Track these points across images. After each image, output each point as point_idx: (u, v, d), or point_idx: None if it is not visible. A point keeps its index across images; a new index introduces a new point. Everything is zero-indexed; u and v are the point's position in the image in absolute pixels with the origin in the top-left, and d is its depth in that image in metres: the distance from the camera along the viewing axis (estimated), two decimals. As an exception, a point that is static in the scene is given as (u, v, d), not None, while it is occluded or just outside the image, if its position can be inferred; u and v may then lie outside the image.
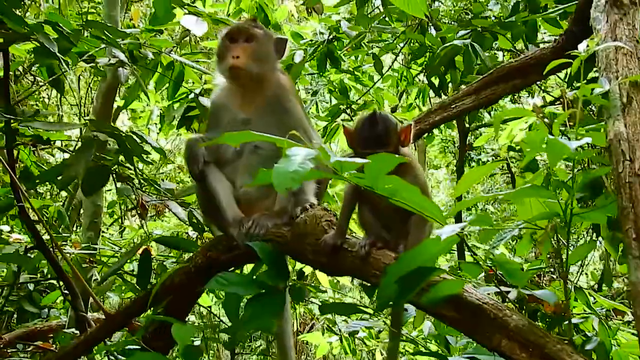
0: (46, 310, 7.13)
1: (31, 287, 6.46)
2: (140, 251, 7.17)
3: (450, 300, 2.93)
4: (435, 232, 2.68)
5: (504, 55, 8.00)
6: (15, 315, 6.80)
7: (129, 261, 7.01)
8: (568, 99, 3.13)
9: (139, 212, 5.05)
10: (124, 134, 4.67)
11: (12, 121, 4.38)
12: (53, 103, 10.06)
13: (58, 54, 4.48)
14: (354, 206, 3.44)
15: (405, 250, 3.17)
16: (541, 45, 6.68)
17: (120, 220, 10.12)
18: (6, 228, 6.42)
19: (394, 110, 9.52)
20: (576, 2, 5.22)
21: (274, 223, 3.76)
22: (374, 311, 3.53)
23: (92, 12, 9.04)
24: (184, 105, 6.65)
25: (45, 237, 5.19)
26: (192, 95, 6.51)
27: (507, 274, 2.80)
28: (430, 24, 7.35)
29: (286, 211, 3.78)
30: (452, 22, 7.06)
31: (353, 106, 7.90)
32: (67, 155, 5.37)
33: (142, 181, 5.01)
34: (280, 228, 3.73)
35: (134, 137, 4.75)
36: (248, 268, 4.22)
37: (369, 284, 3.47)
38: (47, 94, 11.12)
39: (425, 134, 5.39)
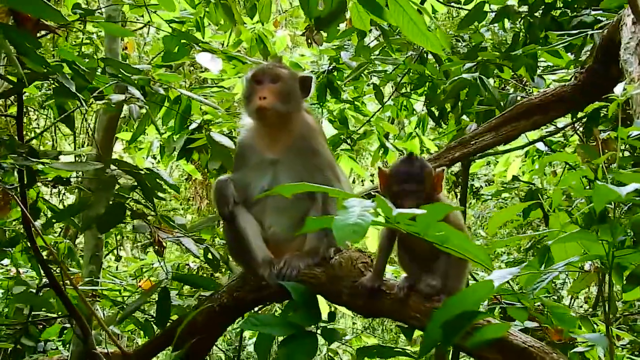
0: (42, 343, 7.05)
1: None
2: (142, 284, 7.17)
3: (495, 344, 2.96)
4: (486, 277, 2.71)
5: (504, 87, 8.09)
6: (9, 350, 6.72)
7: (128, 294, 6.99)
8: (601, 139, 3.18)
9: (155, 249, 5.03)
10: (143, 172, 4.67)
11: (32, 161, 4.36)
12: (48, 134, 10.03)
13: (77, 93, 4.50)
14: (390, 248, 3.47)
15: (447, 292, 3.20)
16: (551, 78, 6.84)
17: (116, 251, 10.06)
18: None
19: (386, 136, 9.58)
20: (582, 34, 5.35)
21: (305, 264, 3.78)
22: (418, 356, 3.55)
23: (87, 42, 9.02)
24: (184, 136, 6.64)
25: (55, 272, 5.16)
26: (193, 126, 6.51)
27: (557, 317, 2.84)
28: (430, 54, 7.43)
29: (317, 251, 3.80)
30: (448, 53, 7.10)
31: (353, 136, 7.95)
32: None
33: (159, 218, 4.98)
34: (313, 269, 3.75)
35: (152, 174, 4.76)
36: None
37: (406, 326, 3.48)
38: (37, 124, 11.08)
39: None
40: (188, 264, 7.72)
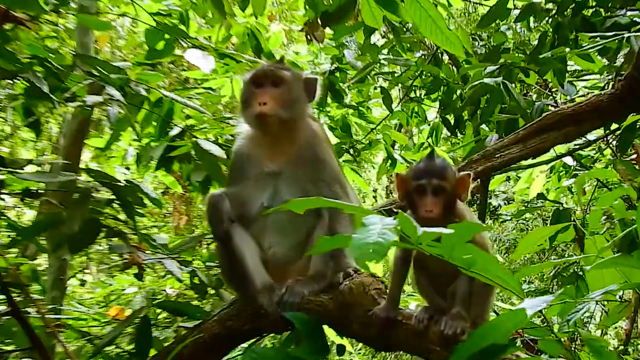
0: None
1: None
2: (113, 313, 7.23)
3: (525, 381, 3.05)
4: (518, 306, 2.80)
5: (526, 93, 8.22)
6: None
7: (96, 324, 7.05)
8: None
9: (135, 272, 5.08)
10: (122, 184, 4.74)
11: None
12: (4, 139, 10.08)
13: (50, 94, 4.58)
14: (406, 272, 3.57)
15: (472, 321, 3.30)
16: (580, 84, 6.96)
17: (80, 274, 10.11)
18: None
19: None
20: (618, 36, 5.47)
21: (310, 290, 3.85)
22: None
23: (54, 35, 9.11)
24: (164, 143, 6.68)
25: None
26: (174, 132, 6.57)
27: (594, 351, 2.93)
28: (446, 54, 7.55)
29: (324, 276, 3.88)
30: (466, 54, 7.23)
31: (356, 145, 8.05)
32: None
33: (139, 236, 5.05)
34: (319, 296, 3.83)
35: (133, 187, 4.83)
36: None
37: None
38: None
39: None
40: (165, 290, 7.79)
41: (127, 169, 9.25)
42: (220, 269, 4.32)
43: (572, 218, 4.51)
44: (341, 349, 3.80)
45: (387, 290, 3.61)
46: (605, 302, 3.36)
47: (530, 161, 6.86)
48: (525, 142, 4.82)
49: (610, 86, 4.68)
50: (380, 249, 2.49)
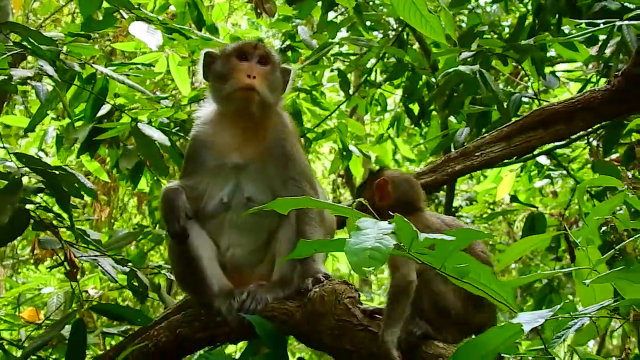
0: None
1: None
2: (26, 316, 7.24)
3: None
4: (512, 320, 2.96)
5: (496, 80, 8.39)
6: None
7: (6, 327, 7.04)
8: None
9: (66, 270, 5.13)
10: (58, 172, 4.78)
11: None
12: None
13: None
14: None
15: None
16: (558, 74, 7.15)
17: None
18: None
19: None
20: (609, 24, 5.65)
21: (274, 297, 3.97)
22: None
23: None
24: (88, 125, 6.66)
25: None
26: (102, 112, 6.57)
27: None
28: (413, 36, 7.69)
29: (290, 282, 4.02)
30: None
31: (308, 135, 8.14)
32: None
33: (76, 232, 5.08)
34: (285, 303, 3.95)
35: (68, 175, 4.88)
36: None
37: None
38: None
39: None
40: (87, 291, 7.80)
41: (44, 152, 9.20)
42: (173, 269, 4.39)
43: (564, 227, 4.69)
44: (302, 364, 3.92)
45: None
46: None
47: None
48: (509, 141, 4.98)
49: (607, 82, 4.86)
50: (379, 255, 2.61)
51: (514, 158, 5.35)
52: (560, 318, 3.20)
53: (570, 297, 8.68)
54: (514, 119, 5.23)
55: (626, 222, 3.12)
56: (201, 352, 4.19)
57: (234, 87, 4.20)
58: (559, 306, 3.04)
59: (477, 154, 5.01)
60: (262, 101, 4.21)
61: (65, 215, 4.97)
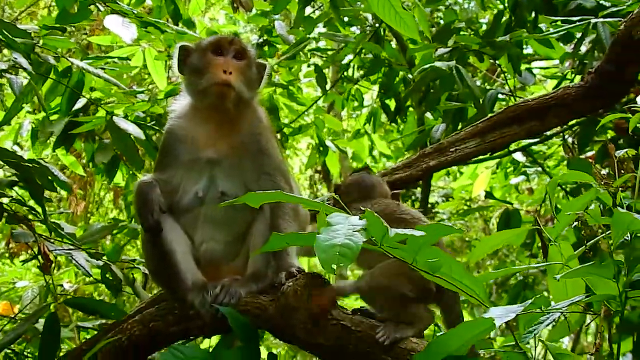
0: None
1: None
2: (0, 309, 7.21)
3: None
4: (484, 315, 2.98)
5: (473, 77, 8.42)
6: None
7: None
8: (617, 157, 3.51)
9: (40, 264, 5.12)
10: (32, 166, 4.77)
11: None
12: None
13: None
14: None
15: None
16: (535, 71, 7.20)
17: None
18: None
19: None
20: (585, 22, 5.70)
21: (248, 291, 3.98)
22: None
23: None
24: (64, 119, 6.64)
25: None
26: (78, 105, 6.55)
27: (562, 365, 3.15)
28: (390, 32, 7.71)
29: (264, 276, 4.03)
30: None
31: (285, 130, 8.16)
32: None
33: (48, 224, 5.07)
34: (258, 297, 3.96)
35: (42, 168, 4.87)
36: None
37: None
38: None
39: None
40: (62, 285, 7.77)
41: (19, 145, 9.16)
42: (147, 263, 4.39)
43: (537, 222, 4.72)
44: (272, 358, 3.93)
45: None
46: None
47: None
48: (483, 136, 5.02)
49: (580, 79, 4.90)
50: (348, 252, 2.63)
51: (489, 154, 5.38)
52: (532, 313, 3.23)
53: (545, 293, 8.74)
54: (488, 115, 5.25)
55: (597, 217, 3.14)
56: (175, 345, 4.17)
57: (210, 82, 4.20)
58: (530, 301, 3.07)
59: (451, 149, 5.05)
60: (237, 97, 4.21)
61: (39, 209, 4.97)
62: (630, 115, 3.61)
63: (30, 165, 4.82)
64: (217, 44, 4.31)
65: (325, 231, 2.70)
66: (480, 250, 3.82)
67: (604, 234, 3.38)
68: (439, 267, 3.00)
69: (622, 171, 3.51)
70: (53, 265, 5.23)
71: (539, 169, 8.20)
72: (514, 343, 3.27)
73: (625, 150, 3.55)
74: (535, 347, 3.36)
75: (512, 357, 3.24)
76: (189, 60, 4.38)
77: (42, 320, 4.91)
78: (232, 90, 4.18)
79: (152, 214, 4.08)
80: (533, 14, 6.83)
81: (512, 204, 7.50)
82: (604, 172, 3.60)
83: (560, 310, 3.31)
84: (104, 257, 5.31)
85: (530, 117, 4.98)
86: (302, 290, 3.75)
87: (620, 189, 3.41)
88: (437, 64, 6.01)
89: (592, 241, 3.46)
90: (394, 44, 7.94)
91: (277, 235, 2.89)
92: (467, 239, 12.28)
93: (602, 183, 3.33)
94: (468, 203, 10.22)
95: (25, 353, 5.93)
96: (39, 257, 5.09)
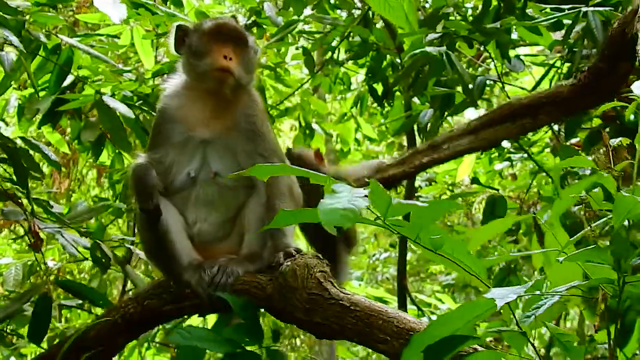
0: None
1: None
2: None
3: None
4: (485, 295, 3.00)
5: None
6: None
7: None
8: (612, 145, 3.54)
9: (30, 242, 5.11)
10: (17, 146, 4.76)
11: None
12: None
13: None
14: None
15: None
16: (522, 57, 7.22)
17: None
18: None
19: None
20: (575, 10, 5.72)
21: (245, 270, 4.00)
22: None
23: None
24: (51, 96, 6.60)
25: None
26: (67, 82, 6.51)
27: (563, 347, 3.18)
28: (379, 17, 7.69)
29: (260, 256, 4.06)
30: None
31: (271, 112, 8.14)
32: None
33: (31, 202, 5.07)
34: (256, 277, 3.97)
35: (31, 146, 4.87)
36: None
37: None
38: None
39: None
40: (45, 263, 7.73)
41: (3, 121, 9.08)
42: (142, 243, 4.40)
43: (532, 210, 4.75)
44: (276, 335, 3.96)
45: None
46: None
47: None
48: (476, 134, 5.07)
49: (573, 77, 4.93)
50: (350, 214, 2.66)
51: (481, 151, 5.43)
52: (532, 295, 3.26)
53: (526, 279, 8.80)
54: (481, 114, 5.29)
55: (599, 201, 3.16)
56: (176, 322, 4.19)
57: (210, 67, 4.20)
58: (530, 283, 3.10)
59: (444, 146, 5.10)
60: (236, 84, 4.23)
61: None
62: (620, 104, 3.62)
63: (16, 145, 4.81)
64: (219, 28, 4.31)
65: (329, 197, 2.73)
66: (477, 240, 3.83)
67: (608, 217, 3.40)
68: (441, 244, 3.03)
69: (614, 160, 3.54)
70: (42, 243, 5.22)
71: (524, 155, 8.22)
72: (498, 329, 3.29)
73: (619, 139, 3.57)
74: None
75: (513, 337, 3.27)
76: (188, 41, 4.37)
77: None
78: (231, 76, 4.19)
79: (152, 198, 4.09)
80: (522, 1, 6.83)
81: (498, 189, 7.52)
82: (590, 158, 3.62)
83: (561, 294, 3.34)
84: (91, 236, 5.31)
85: (523, 115, 5.02)
86: (300, 270, 3.77)
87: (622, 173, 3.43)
88: (428, 49, 6.01)
89: (598, 222, 3.48)
90: (379, 25, 7.91)
91: (285, 211, 2.90)
92: (449, 223, 12.33)
93: (605, 168, 3.35)
94: (451, 187, 10.24)
95: (7, 330, 5.92)
96: (29, 235, 5.08)
